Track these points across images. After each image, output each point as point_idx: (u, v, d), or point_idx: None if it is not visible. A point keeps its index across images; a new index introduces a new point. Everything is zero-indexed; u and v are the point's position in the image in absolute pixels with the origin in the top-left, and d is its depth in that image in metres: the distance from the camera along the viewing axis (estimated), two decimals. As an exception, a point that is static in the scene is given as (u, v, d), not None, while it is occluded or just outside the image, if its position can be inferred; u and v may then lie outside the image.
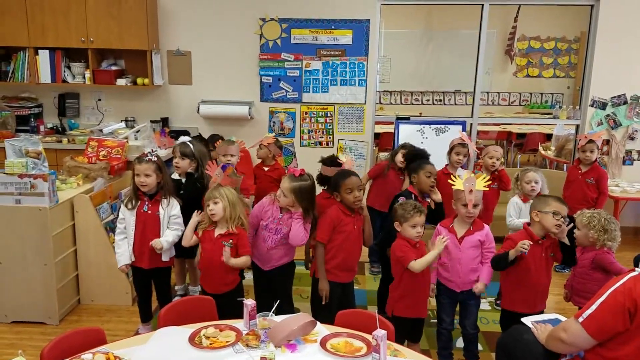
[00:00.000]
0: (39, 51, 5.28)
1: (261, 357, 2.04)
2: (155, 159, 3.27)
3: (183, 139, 3.83)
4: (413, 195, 3.47)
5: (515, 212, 3.89)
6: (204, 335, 2.33)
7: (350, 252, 3.22)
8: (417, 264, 2.87)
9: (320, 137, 5.67)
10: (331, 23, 5.41)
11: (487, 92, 9.42)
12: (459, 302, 3.15)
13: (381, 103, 9.27)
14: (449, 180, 3.09)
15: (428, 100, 9.56)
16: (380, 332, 2.14)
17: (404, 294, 3.00)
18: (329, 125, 5.65)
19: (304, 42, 5.45)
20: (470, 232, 3.01)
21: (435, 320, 3.27)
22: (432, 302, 3.22)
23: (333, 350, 2.24)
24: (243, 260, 3.01)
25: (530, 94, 9.56)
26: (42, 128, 5.52)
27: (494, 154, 4.09)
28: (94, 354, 2.13)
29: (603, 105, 5.48)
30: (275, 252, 3.20)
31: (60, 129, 5.60)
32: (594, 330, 2.07)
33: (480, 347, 3.28)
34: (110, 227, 3.94)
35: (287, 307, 3.10)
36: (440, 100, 9.55)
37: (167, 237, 3.27)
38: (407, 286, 2.98)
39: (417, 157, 3.86)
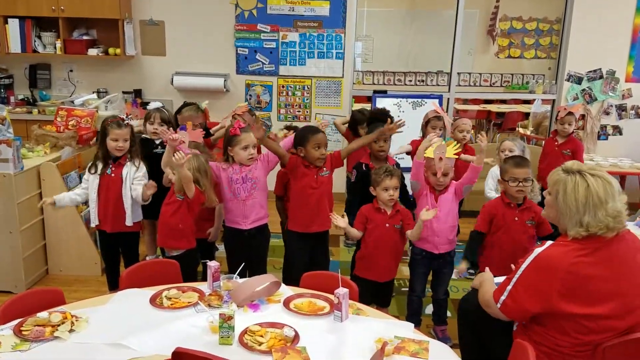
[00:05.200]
0: (9, 20, 5.15)
1: (220, 314, 2.01)
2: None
3: (154, 104, 3.74)
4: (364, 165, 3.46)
5: (494, 183, 3.88)
6: (165, 296, 2.30)
7: (315, 204, 3.15)
8: (411, 234, 2.95)
9: (298, 111, 5.61)
10: (308, -7, 5.33)
11: (469, 73, 9.38)
12: (433, 271, 3.16)
13: (364, 83, 9.20)
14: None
15: (410, 80, 9.49)
16: (342, 290, 2.13)
17: (363, 255, 3.07)
18: (306, 99, 5.59)
19: (281, 12, 5.36)
20: (445, 190, 3.04)
21: (407, 289, 3.27)
22: (405, 271, 3.20)
23: (296, 310, 2.22)
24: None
25: (512, 74, 9.54)
26: (12, 99, 5.40)
27: (463, 127, 4.11)
28: (51, 312, 2.09)
29: (579, 80, 5.50)
30: (252, 203, 3.10)
31: (31, 100, 5.48)
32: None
33: (449, 314, 3.30)
34: (79, 196, 3.87)
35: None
36: (423, 81, 9.50)
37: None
38: (365, 249, 3.04)
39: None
